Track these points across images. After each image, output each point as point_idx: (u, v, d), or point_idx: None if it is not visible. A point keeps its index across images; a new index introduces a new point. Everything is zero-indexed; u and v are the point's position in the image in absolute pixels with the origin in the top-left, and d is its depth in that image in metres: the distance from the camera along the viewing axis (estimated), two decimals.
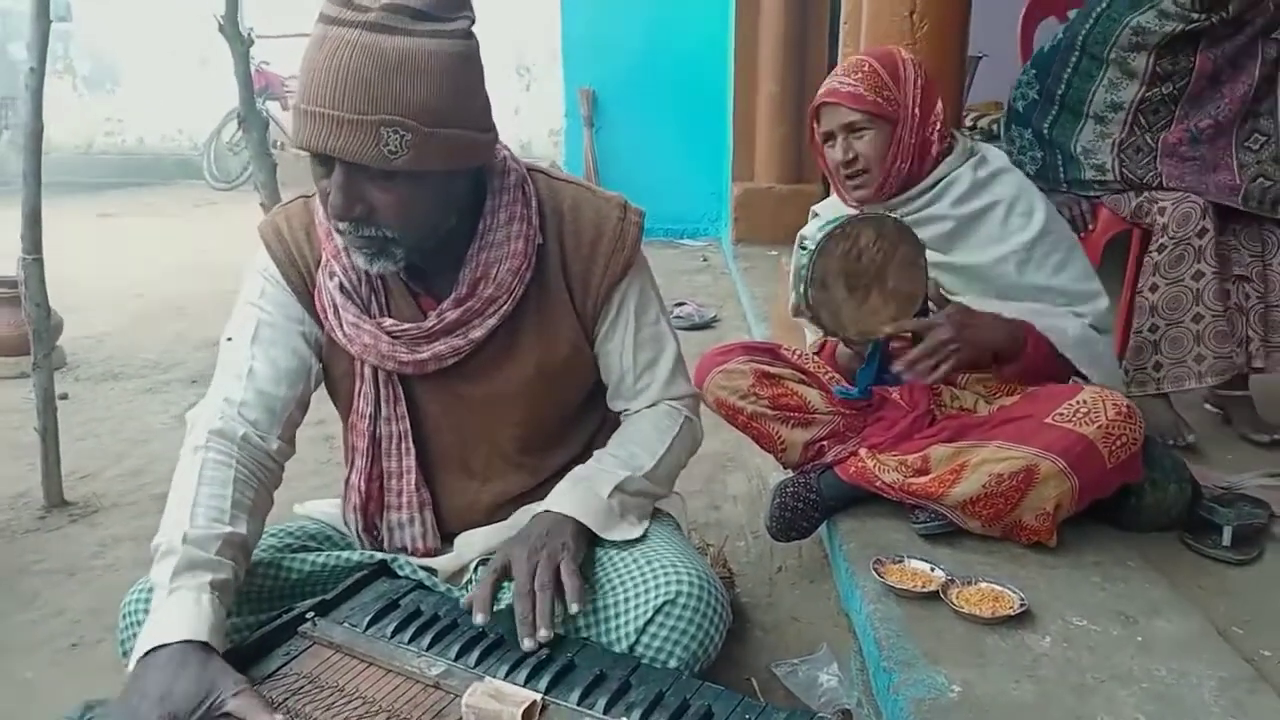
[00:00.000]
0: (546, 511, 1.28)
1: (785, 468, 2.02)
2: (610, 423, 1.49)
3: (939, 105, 1.86)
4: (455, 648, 1.13)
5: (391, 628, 1.17)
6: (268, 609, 1.30)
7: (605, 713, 1.03)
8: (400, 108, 1.11)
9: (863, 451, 1.86)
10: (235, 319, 1.36)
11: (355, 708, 1.05)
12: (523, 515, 1.37)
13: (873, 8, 2.40)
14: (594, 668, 1.10)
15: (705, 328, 4.25)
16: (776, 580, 1.99)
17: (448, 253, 1.29)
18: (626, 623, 1.21)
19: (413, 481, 1.39)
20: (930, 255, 1.84)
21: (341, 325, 1.32)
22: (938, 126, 1.86)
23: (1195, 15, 2.27)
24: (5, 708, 1.64)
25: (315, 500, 1.56)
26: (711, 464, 2.60)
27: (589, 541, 1.28)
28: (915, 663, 1.42)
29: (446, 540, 1.44)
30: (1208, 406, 2.63)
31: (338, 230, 1.22)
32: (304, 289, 1.35)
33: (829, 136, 1.89)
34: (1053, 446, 1.64)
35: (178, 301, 4.71)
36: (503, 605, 1.19)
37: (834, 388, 1.94)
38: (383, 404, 1.36)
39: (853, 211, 1.92)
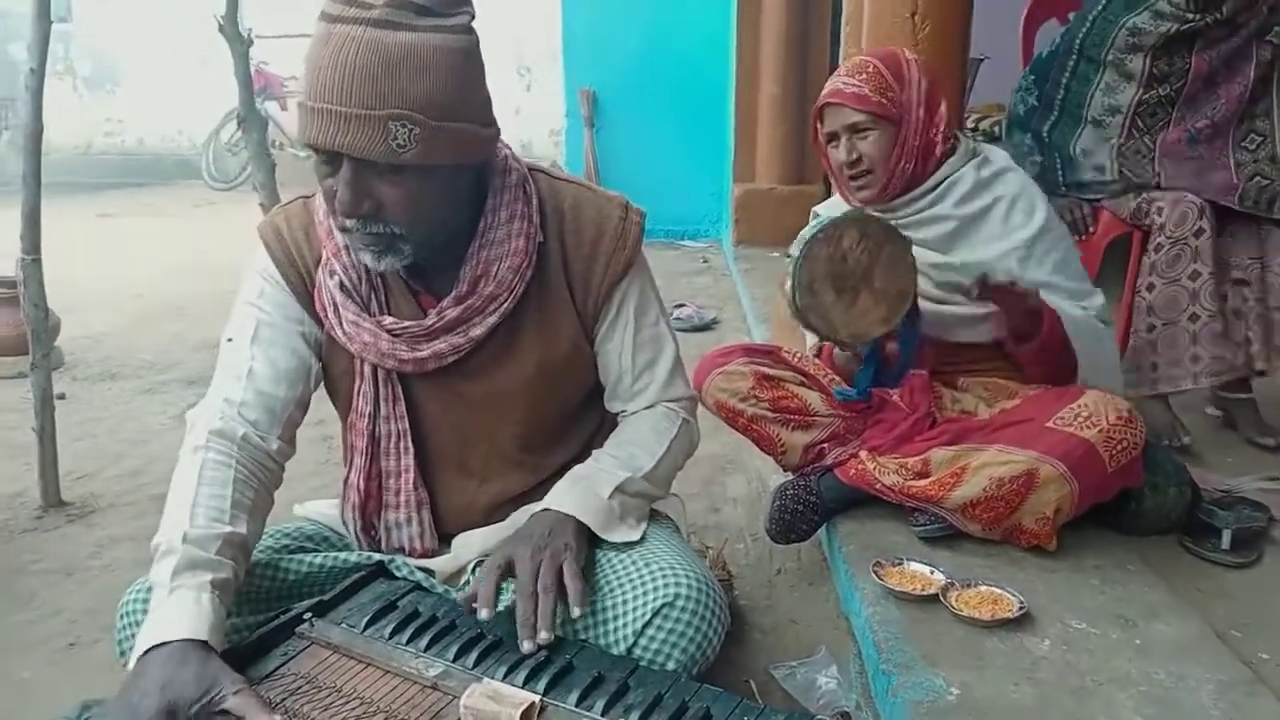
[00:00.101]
0: (547, 510, 1.28)
1: (785, 470, 2.02)
2: (609, 424, 1.49)
3: (943, 106, 1.86)
4: (453, 649, 1.13)
5: (389, 629, 1.17)
6: (265, 609, 1.30)
7: (603, 715, 1.03)
8: (407, 102, 1.12)
9: (863, 454, 1.86)
10: (235, 319, 1.36)
11: (353, 708, 1.05)
12: (521, 516, 1.37)
13: (874, 9, 2.40)
14: (592, 669, 1.10)
15: (705, 329, 4.25)
16: (776, 583, 1.98)
17: (449, 251, 1.29)
18: (625, 625, 1.21)
19: (411, 481, 1.38)
20: (933, 255, 1.85)
21: (341, 324, 1.32)
22: (942, 127, 1.85)
23: (1190, 15, 2.28)
24: (2, 707, 1.63)
25: (314, 501, 1.56)
26: (711, 466, 2.59)
27: (589, 542, 1.28)
28: (914, 665, 1.41)
29: (444, 541, 1.43)
30: (1209, 410, 2.63)
31: (344, 229, 1.22)
32: (303, 289, 1.35)
33: (833, 137, 1.89)
34: (1053, 450, 1.64)
35: (176, 302, 4.71)
36: (503, 605, 1.19)
37: (834, 390, 1.94)
38: (382, 403, 1.36)
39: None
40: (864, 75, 1.83)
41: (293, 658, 1.14)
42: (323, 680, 1.10)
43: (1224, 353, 2.28)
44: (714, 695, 1.08)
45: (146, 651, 1.06)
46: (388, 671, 1.11)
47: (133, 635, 1.21)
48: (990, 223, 1.86)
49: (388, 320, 1.31)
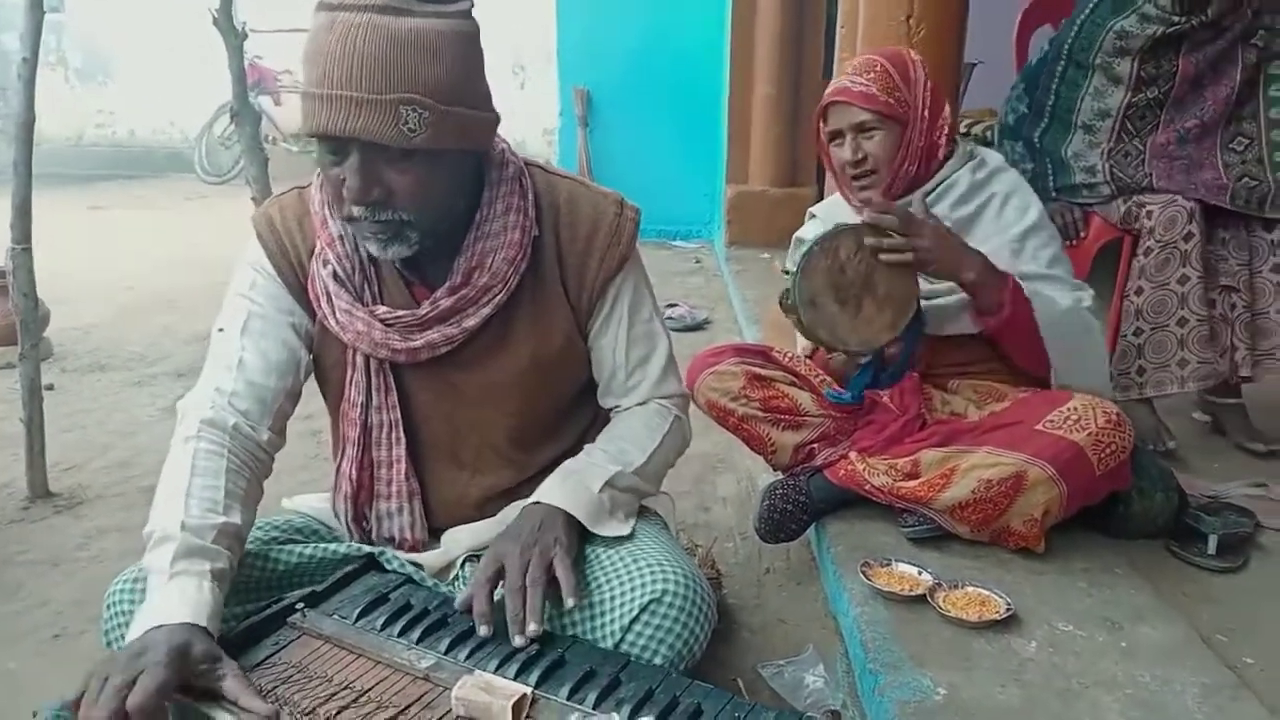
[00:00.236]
0: (537, 503, 1.28)
1: (775, 470, 2.03)
2: (601, 421, 1.49)
3: (946, 108, 1.87)
4: (445, 642, 1.13)
5: (381, 621, 1.18)
6: (254, 599, 1.30)
7: (594, 708, 1.04)
8: (417, 86, 1.12)
9: (853, 455, 1.86)
10: (226, 310, 1.36)
11: (344, 697, 1.05)
12: (511, 511, 1.37)
13: (870, 12, 2.40)
14: (584, 664, 1.11)
15: (697, 329, 4.25)
16: (764, 582, 1.99)
17: (444, 242, 1.29)
18: (612, 620, 1.22)
19: (402, 471, 1.38)
20: None
21: (334, 313, 1.32)
22: (945, 130, 1.86)
23: (1176, 18, 2.31)
24: None
25: (303, 495, 1.56)
26: (701, 465, 2.60)
27: (580, 536, 1.28)
28: (901, 665, 1.42)
29: (435, 534, 1.43)
30: (1196, 415, 2.65)
31: (351, 217, 1.21)
32: (295, 280, 1.35)
33: (837, 135, 1.89)
34: (1042, 453, 1.65)
35: (166, 295, 4.69)
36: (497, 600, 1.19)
37: (826, 392, 1.94)
38: (374, 393, 1.36)
39: (851, 213, 1.93)
40: (871, 74, 1.83)
41: (284, 647, 1.14)
42: (314, 670, 1.10)
43: (1211, 357, 2.29)
44: (704, 691, 1.08)
45: (146, 632, 1.06)
46: (379, 662, 1.11)
47: (119, 626, 1.21)
48: (984, 221, 1.87)
49: (381, 310, 1.31)
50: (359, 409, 1.37)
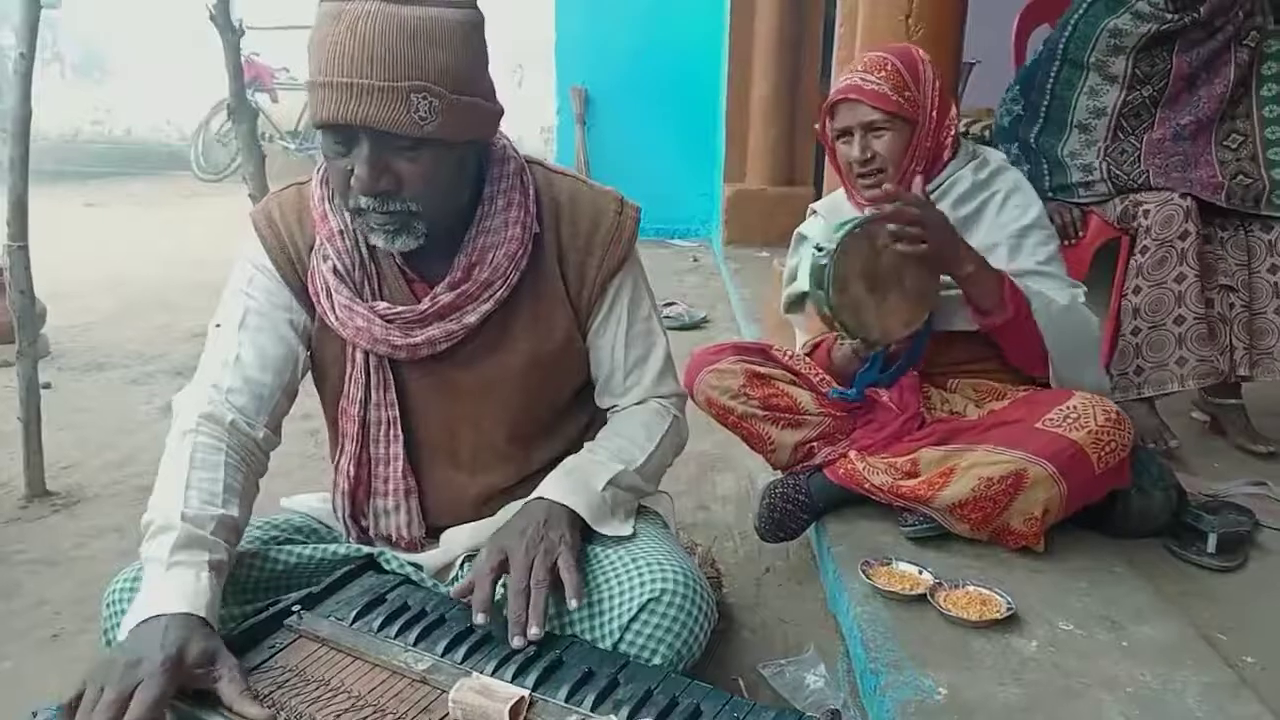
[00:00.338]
0: (540, 498, 1.28)
1: (775, 469, 2.02)
2: (598, 421, 1.49)
3: (953, 109, 1.86)
4: (442, 643, 1.12)
5: (378, 622, 1.17)
6: (252, 600, 1.29)
7: (593, 710, 1.03)
8: (427, 74, 1.12)
9: (852, 453, 1.86)
10: (224, 306, 1.36)
11: (341, 701, 1.05)
12: (509, 511, 1.36)
13: (868, 11, 2.40)
14: (582, 665, 1.10)
15: (695, 328, 4.25)
16: (764, 581, 1.99)
17: (445, 238, 1.29)
18: (611, 619, 1.21)
19: (399, 469, 1.38)
20: None
21: (334, 309, 1.31)
22: (951, 130, 1.85)
23: (1169, 15, 2.32)
24: None
25: (301, 495, 1.56)
26: (701, 464, 2.59)
27: (582, 534, 1.28)
28: (902, 665, 1.42)
29: (433, 534, 1.43)
30: (1194, 415, 2.65)
31: (359, 209, 1.21)
32: (294, 276, 1.34)
33: (845, 133, 1.87)
34: (1042, 451, 1.65)
35: (163, 292, 4.68)
36: (497, 599, 1.18)
37: (829, 390, 1.93)
38: (373, 390, 1.35)
39: (853, 210, 1.92)
40: (883, 73, 1.81)
41: (281, 650, 1.13)
42: (311, 673, 1.10)
43: (1210, 355, 2.29)
44: (704, 691, 1.08)
45: (143, 623, 1.05)
46: (376, 665, 1.11)
47: (118, 625, 1.20)
48: (985, 218, 1.86)
49: (380, 305, 1.30)
50: (358, 406, 1.36)
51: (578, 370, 1.44)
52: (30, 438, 2.40)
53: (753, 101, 5.64)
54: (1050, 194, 2.49)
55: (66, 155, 9.57)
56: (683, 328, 4.18)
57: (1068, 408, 1.69)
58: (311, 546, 1.37)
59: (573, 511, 1.27)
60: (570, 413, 1.47)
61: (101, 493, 2.46)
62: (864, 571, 1.65)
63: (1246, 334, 2.33)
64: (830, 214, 2.01)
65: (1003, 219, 1.85)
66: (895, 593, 1.59)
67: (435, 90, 1.13)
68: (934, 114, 1.83)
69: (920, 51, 1.89)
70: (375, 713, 1.03)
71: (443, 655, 1.11)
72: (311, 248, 1.34)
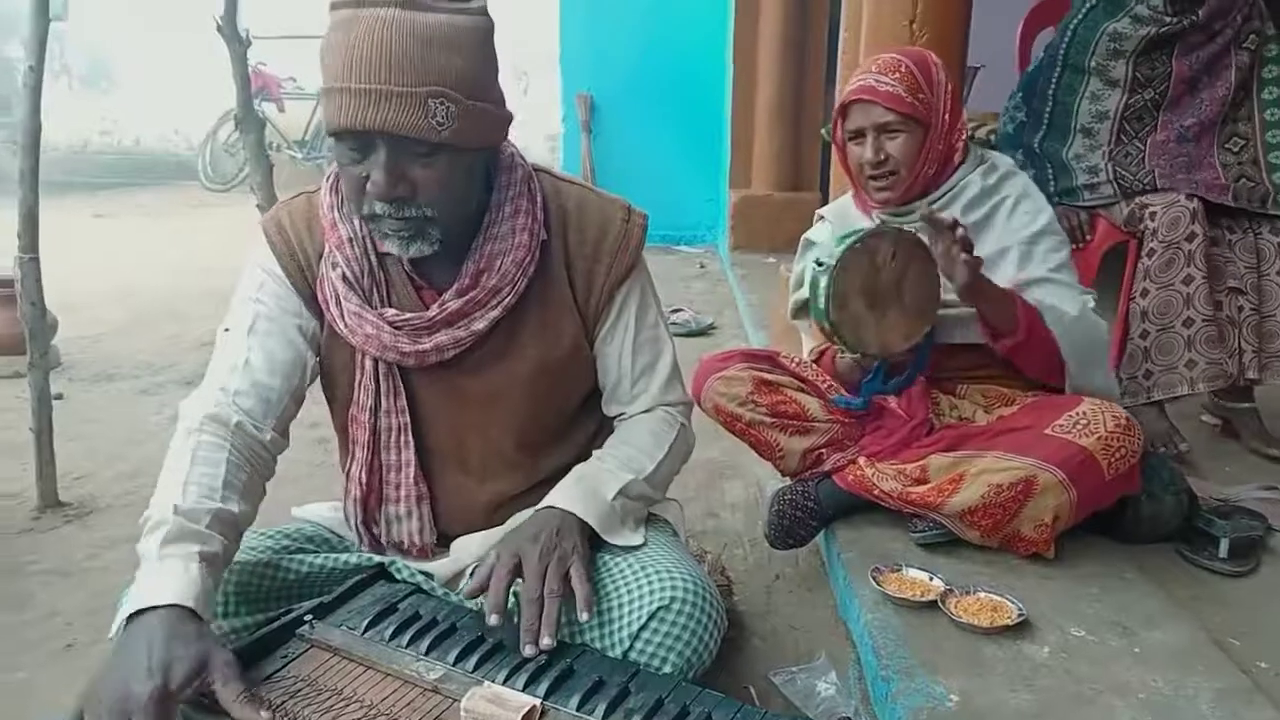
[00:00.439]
0: (551, 507, 1.28)
1: (783, 475, 2.02)
2: (606, 429, 1.49)
3: (963, 113, 1.86)
4: (454, 652, 1.13)
5: (390, 631, 1.17)
6: (265, 609, 1.30)
7: (604, 719, 1.03)
8: (444, 79, 1.13)
9: (861, 460, 1.86)
10: (233, 312, 1.37)
11: (353, 711, 1.05)
12: (518, 521, 1.37)
13: (872, 16, 2.41)
14: (593, 674, 1.10)
15: (701, 334, 4.26)
16: (774, 588, 1.98)
17: (453, 245, 1.29)
18: (621, 628, 1.21)
19: (411, 475, 1.38)
20: None
21: (343, 315, 1.32)
22: (961, 134, 1.85)
23: (1168, 18, 2.33)
24: (0, 708, 1.63)
25: (312, 504, 1.56)
26: (709, 472, 2.59)
27: (593, 544, 1.28)
28: (913, 672, 1.41)
29: (443, 541, 1.43)
30: (1204, 418, 2.64)
31: (374, 215, 1.22)
32: (303, 282, 1.35)
33: (857, 134, 1.86)
34: (1052, 458, 1.64)
35: (173, 302, 4.69)
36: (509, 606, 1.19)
37: (834, 397, 1.93)
38: (383, 397, 1.36)
39: (861, 215, 1.92)
40: (897, 75, 1.80)
41: (293, 660, 1.14)
42: (323, 682, 1.10)
43: (1220, 357, 2.28)
44: (715, 700, 1.08)
45: (133, 618, 1.05)
46: (388, 674, 1.11)
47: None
48: (995, 224, 1.86)
49: (389, 312, 1.31)
50: (368, 413, 1.37)
51: (585, 378, 1.44)
52: (42, 448, 2.40)
53: (758, 107, 5.65)
54: (1056, 198, 2.49)
55: (75, 166, 9.62)
56: (689, 334, 4.18)
57: (1077, 414, 1.69)
58: (323, 556, 1.38)
59: (583, 521, 1.27)
60: (578, 420, 1.47)
61: (113, 503, 2.46)
62: (874, 578, 1.64)
63: (1256, 337, 2.32)
64: (838, 219, 2.01)
65: (1013, 225, 1.85)
66: (906, 599, 1.59)
67: (452, 96, 1.14)
68: (946, 116, 1.83)
69: (932, 54, 1.88)
70: None
71: (454, 664, 1.11)
72: (321, 255, 1.34)
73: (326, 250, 1.33)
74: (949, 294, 1.81)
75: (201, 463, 1.22)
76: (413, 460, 1.38)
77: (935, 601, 1.57)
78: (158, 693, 0.99)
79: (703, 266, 5.95)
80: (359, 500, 1.40)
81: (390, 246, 1.25)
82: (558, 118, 7.08)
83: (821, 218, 2.09)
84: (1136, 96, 2.41)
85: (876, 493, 1.81)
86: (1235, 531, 1.82)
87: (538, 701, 1.04)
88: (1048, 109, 2.52)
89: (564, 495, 1.30)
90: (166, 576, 1.09)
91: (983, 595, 1.59)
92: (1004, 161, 1.94)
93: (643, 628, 1.20)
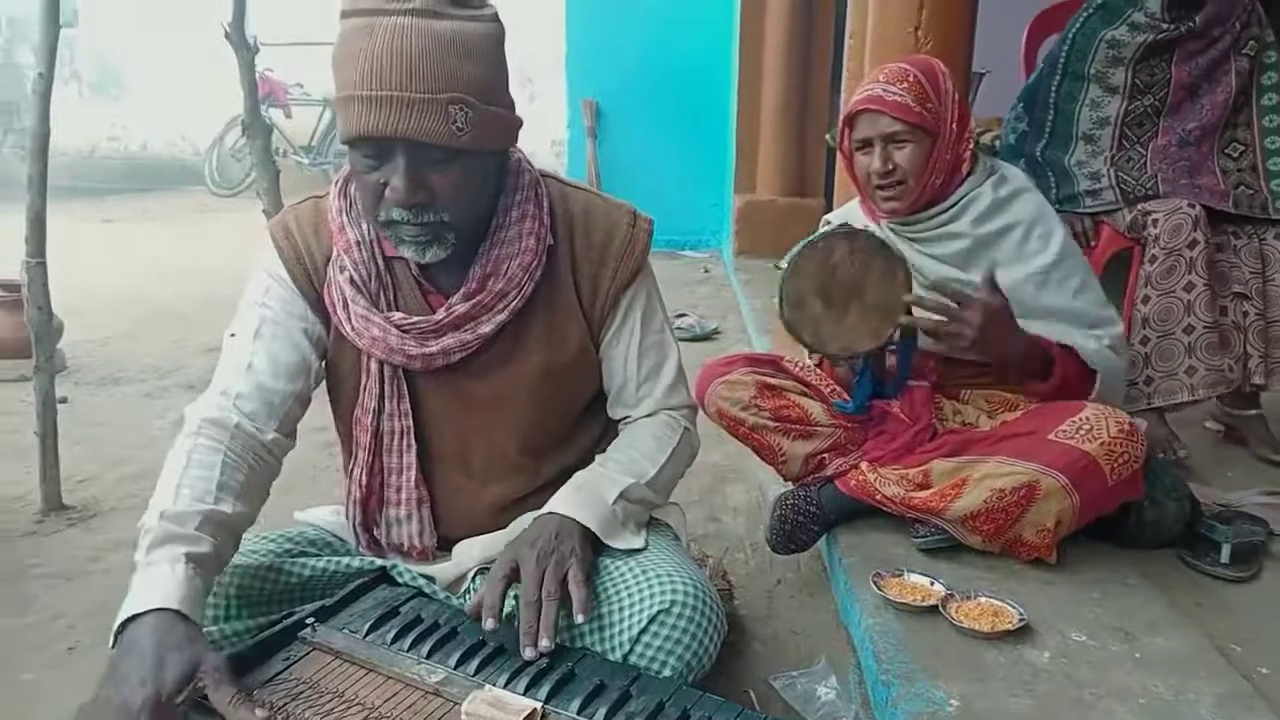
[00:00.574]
0: (551, 513, 1.29)
1: (786, 480, 2.02)
2: (610, 433, 1.49)
3: (971, 122, 1.86)
4: (455, 655, 1.13)
5: (391, 634, 1.18)
6: (266, 613, 1.30)
7: None
8: (462, 85, 1.14)
9: (864, 465, 1.86)
10: (239, 316, 1.38)
11: (355, 714, 1.05)
12: (520, 525, 1.37)
13: (878, 23, 2.41)
14: (594, 677, 1.10)
15: (706, 339, 4.26)
16: (775, 593, 1.98)
17: (460, 250, 1.30)
18: (621, 631, 1.22)
19: (412, 478, 1.39)
20: (950, 271, 1.84)
21: (350, 318, 1.32)
22: (969, 143, 1.85)
23: (1165, 25, 2.34)
24: (3, 711, 1.63)
25: (315, 508, 1.57)
26: (712, 476, 2.59)
27: (593, 548, 1.28)
28: (914, 677, 1.41)
29: (446, 545, 1.44)
30: (1207, 424, 2.63)
31: (390, 221, 1.22)
32: (309, 286, 1.36)
33: (865, 144, 1.86)
34: (1054, 463, 1.64)
35: (179, 307, 4.71)
36: (508, 610, 1.19)
37: (835, 402, 1.94)
38: (386, 400, 1.36)
39: (867, 221, 1.93)
40: (905, 84, 1.80)
41: (295, 662, 1.14)
42: (325, 685, 1.10)
43: (1221, 364, 2.28)
44: (716, 704, 1.08)
45: (123, 627, 1.06)
46: (390, 677, 1.11)
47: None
48: (1005, 247, 1.84)
49: (397, 315, 1.32)
50: (371, 415, 1.37)
51: (590, 381, 1.45)
52: (47, 452, 2.41)
53: (763, 113, 5.66)
54: (1058, 205, 2.49)
55: (83, 171, 9.67)
56: (694, 339, 4.19)
57: (1080, 419, 1.69)
58: (325, 559, 1.38)
59: (584, 526, 1.27)
60: (582, 424, 1.48)
61: (117, 506, 2.47)
62: (875, 583, 1.64)
63: (1262, 342, 2.31)
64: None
65: (1026, 252, 1.83)
66: (907, 604, 1.59)
67: (470, 101, 1.15)
68: (954, 126, 1.83)
69: (939, 63, 1.88)
70: None
71: (456, 668, 1.12)
72: (328, 259, 1.35)
73: (334, 254, 1.34)
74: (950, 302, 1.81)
75: (196, 466, 1.23)
76: (414, 464, 1.39)
77: (936, 606, 1.57)
78: (151, 701, 0.99)
79: (707, 271, 5.96)
80: (359, 502, 1.41)
81: (406, 252, 1.25)
82: (563, 124, 7.10)
83: (828, 223, 2.09)
84: (1136, 103, 2.43)
85: (879, 498, 1.81)
86: (1237, 537, 1.82)
87: (539, 705, 1.05)
88: (1049, 117, 2.53)
89: (564, 502, 1.31)
90: (152, 581, 1.10)
91: (984, 600, 1.58)
92: (1015, 175, 1.92)
93: (643, 631, 1.20)
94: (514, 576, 1.20)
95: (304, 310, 1.36)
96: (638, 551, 1.32)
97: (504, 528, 1.41)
